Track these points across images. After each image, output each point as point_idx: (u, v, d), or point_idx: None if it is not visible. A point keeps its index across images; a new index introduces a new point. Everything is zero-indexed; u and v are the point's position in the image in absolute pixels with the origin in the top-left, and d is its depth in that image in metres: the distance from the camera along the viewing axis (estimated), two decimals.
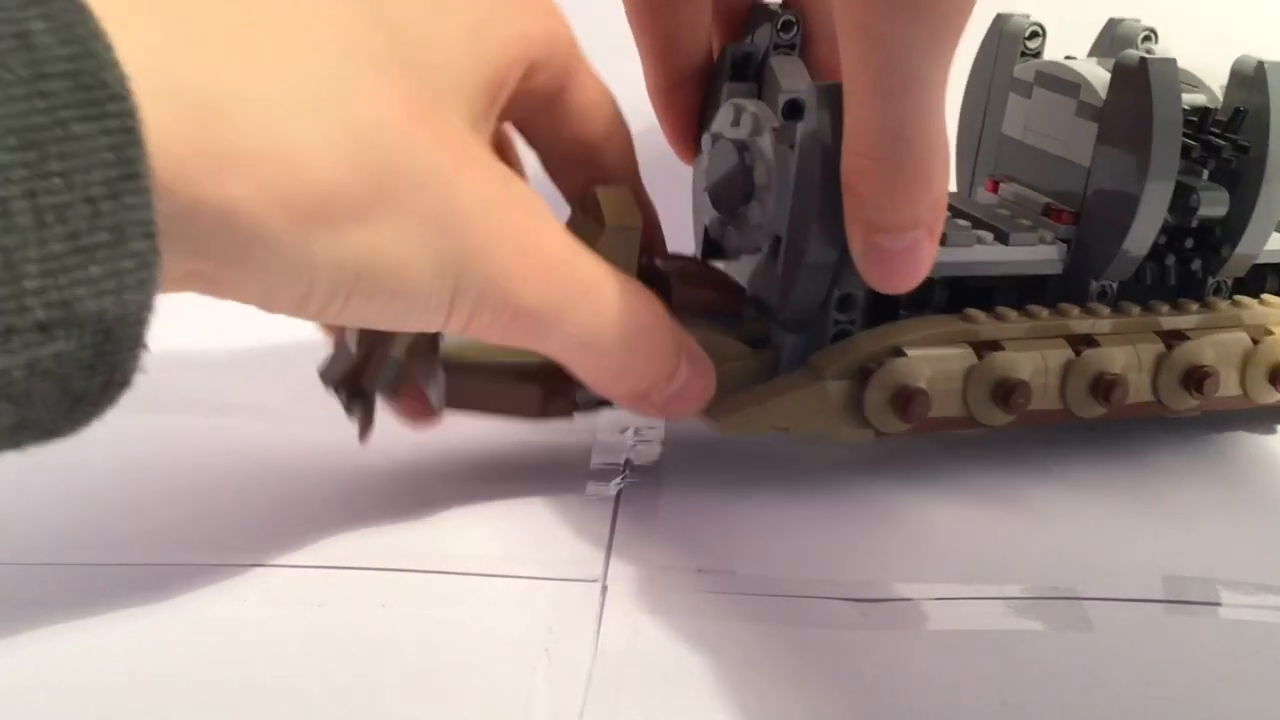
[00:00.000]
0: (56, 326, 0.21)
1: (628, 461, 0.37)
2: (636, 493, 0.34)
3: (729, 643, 0.28)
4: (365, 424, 0.33)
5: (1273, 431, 0.40)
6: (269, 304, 0.25)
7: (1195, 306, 0.38)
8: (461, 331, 0.29)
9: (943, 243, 0.36)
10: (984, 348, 0.35)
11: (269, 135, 0.23)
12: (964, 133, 0.43)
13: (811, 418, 0.34)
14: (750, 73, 0.38)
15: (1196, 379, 0.37)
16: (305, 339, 0.41)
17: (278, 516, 0.33)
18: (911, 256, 0.30)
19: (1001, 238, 0.37)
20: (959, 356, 0.35)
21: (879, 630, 0.28)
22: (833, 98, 0.31)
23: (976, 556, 0.31)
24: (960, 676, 0.27)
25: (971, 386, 0.35)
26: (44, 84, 0.20)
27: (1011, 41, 0.41)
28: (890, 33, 0.26)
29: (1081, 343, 0.36)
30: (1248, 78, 0.37)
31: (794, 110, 0.36)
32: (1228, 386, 0.37)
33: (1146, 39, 0.42)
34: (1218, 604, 0.30)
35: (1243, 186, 0.37)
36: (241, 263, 0.24)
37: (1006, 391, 0.35)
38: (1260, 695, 0.26)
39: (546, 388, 0.34)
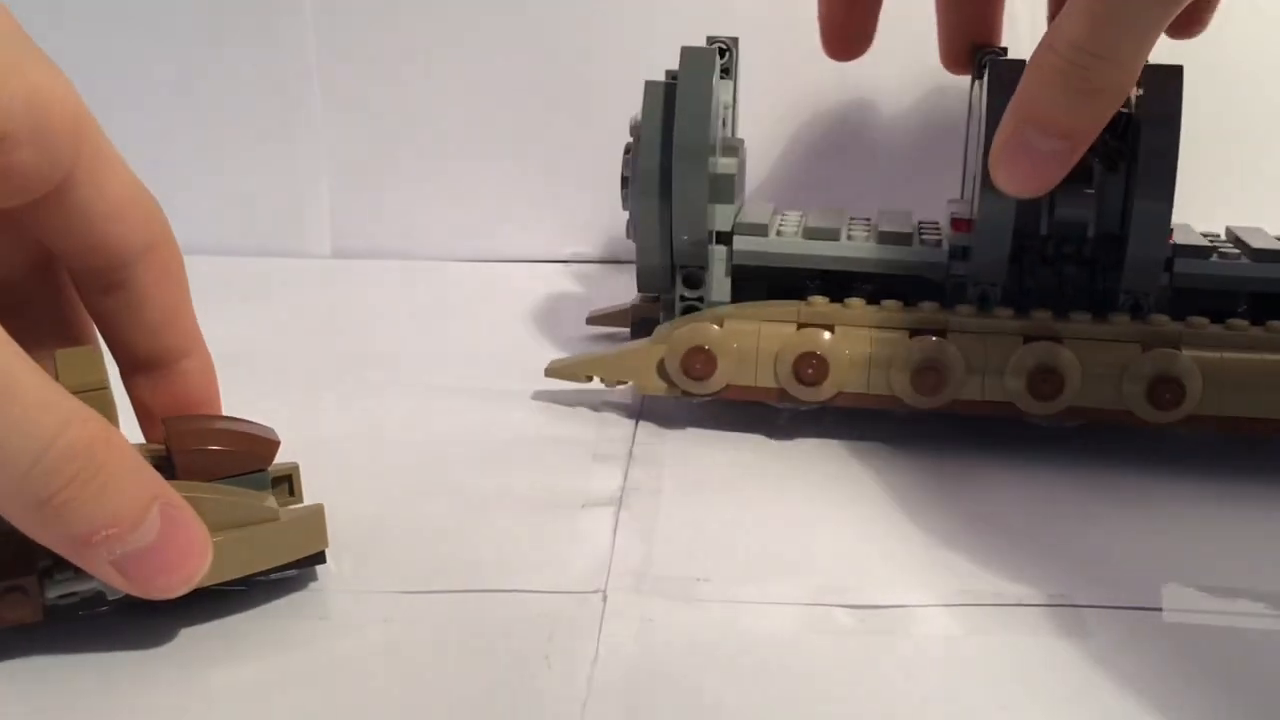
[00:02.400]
0: None
1: (630, 453, 0.38)
2: (636, 502, 0.34)
3: (728, 651, 0.28)
4: None
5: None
6: None
7: (1087, 317, 0.36)
8: None
9: (820, 236, 0.39)
10: (814, 329, 0.37)
11: None
12: None
13: (624, 372, 0.38)
14: None
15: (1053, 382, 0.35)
16: (312, 349, 0.47)
17: None
18: (1045, 159, 0.31)
19: (883, 238, 0.38)
20: (771, 333, 0.37)
21: (876, 637, 0.28)
22: None
23: (972, 564, 0.31)
24: (957, 683, 0.27)
25: (780, 359, 0.36)
26: None
27: None
28: None
29: (927, 333, 0.36)
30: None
31: None
32: (1090, 395, 0.35)
33: None
34: (1215, 612, 0.29)
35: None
36: None
37: (807, 364, 0.36)
38: (1256, 703, 0.26)
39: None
